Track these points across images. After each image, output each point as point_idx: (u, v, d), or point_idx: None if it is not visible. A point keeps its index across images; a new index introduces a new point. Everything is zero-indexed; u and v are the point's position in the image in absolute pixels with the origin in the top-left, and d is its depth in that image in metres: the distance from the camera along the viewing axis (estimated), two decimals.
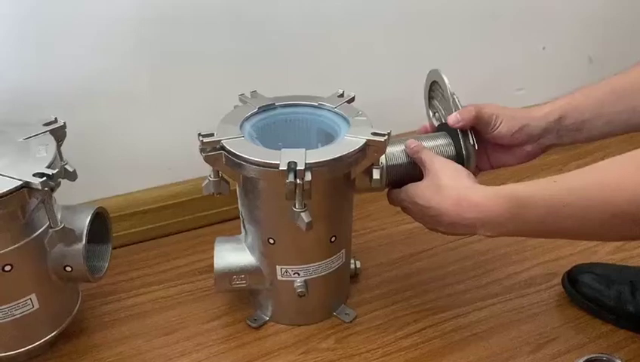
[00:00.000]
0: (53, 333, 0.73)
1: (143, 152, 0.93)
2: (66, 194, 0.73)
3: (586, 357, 0.73)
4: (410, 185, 0.73)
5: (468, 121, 0.76)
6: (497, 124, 0.76)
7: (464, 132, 0.76)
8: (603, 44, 1.25)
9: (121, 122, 0.90)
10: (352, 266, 0.86)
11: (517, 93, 1.21)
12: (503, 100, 1.19)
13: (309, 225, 0.66)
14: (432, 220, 0.70)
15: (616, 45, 1.26)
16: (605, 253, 0.93)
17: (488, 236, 0.66)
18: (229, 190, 0.74)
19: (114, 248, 0.86)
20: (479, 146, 0.76)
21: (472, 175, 0.71)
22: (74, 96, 0.84)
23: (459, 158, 0.75)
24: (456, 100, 0.78)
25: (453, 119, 0.76)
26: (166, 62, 0.89)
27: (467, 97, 1.15)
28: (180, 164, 0.94)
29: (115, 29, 0.84)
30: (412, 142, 0.75)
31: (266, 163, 0.66)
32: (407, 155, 0.75)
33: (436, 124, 0.83)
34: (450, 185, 0.68)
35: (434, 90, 0.84)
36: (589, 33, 1.23)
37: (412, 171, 0.75)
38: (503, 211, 0.63)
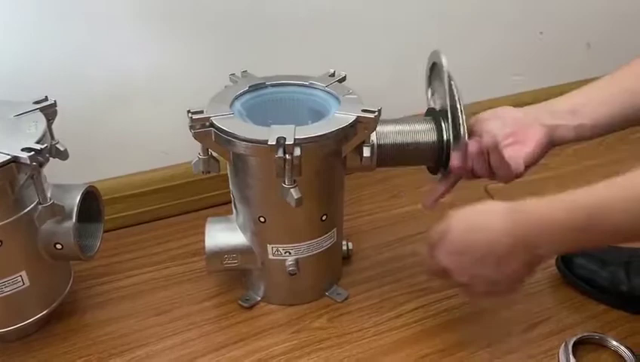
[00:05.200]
0: (44, 312, 0.73)
1: (137, 135, 0.93)
2: (59, 176, 0.73)
3: (578, 336, 0.73)
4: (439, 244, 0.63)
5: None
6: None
7: (454, 118, 0.73)
8: (601, 30, 1.24)
9: (116, 104, 0.90)
10: (345, 248, 0.86)
11: (514, 78, 1.21)
12: (500, 86, 1.20)
13: (299, 201, 0.66)
14: (476, 267, 0.60)
15: (614, 31, 1.25)
16: None
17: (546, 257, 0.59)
18: (218, 168, 0.74)
19: (108, 231, 0.86)
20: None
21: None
22: (68, 77, 0.84)
23: (439, 145, 0.74)
24: (453, 86, 0.75)
25: (454, 163, 0.71)
26: (161, 43, 0.89)
27: (465, 84, 1.15)
28: (175, 148, 0.94)
29: (108, 8, 0.83)
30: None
31: (256, 139, 0.66)
32: (398, 135, 0.75)
33: (435, 105, 0.80)
34: (488, 208, 0.61)
35: (434, 71, 0.83)
36: (587, 18, 1.22)
37: (403, 152, 0.75)
38: (575, 220, 0.55)
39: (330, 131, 0.67)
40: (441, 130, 0.74)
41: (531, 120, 0.72)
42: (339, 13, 0.99)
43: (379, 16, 1.03)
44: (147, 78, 0.90)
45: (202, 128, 0.68)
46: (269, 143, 0.64)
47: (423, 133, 0.75)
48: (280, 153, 0.64)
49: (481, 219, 0.61)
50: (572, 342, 0.72)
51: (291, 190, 0.66)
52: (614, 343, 0.73)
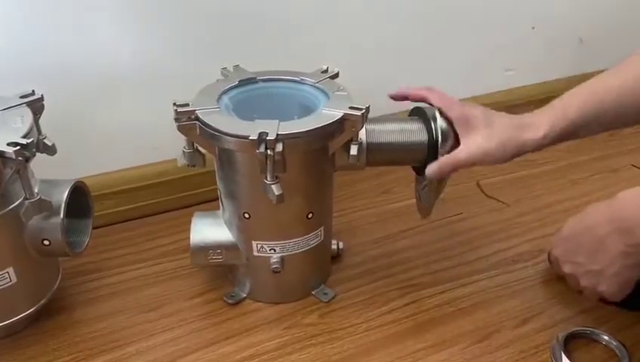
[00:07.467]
0: (32, 308, 0.73)
1: (127, 130, 0.92)
2: (48, 171, 0.73)
3: (569, 331, 0.73)
4: None
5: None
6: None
7: (440, 114, 0.73)
8: (593, 25, 1.24)
9: (106, 99, 0.89)
10: (335, 247, 0.85)
11: (506, 73, 1.20)
12: (492, 81, 1.20)
13: (280, 197, 0.65)
14: (577, 254, 0.67)
15: (606, 26, 1.25)
16: None
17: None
18: (203, 163, 0.73)
19: (97, 227, 0.86)
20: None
21: None
22: (57, 72, 0.84)
23: (430, 144, 0.73)
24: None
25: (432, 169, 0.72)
26: (152, 37, 0.88)
27: (458, 79, 1.15)
28: (166, 143, 0.93)
29: (96, 3, 0.83)
30: None
31: (238, 133, 0.65)
32: (388, 134, 0.74)
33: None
34: (597, 203, 0.65)
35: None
36: (579, 13, 1.22)
37: (393, 151, 0.74)
38: None
39: (314, 127, 0.66)
40: (431, 131, 0.74)
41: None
42: (336, 9, 0.99)
43: (373, 12, 1.03)
44: (137, 72, 0.89)
45: (187, 121, 0.67)
46: (250, 138, 0.63)
47: (414, 132, 0.74)
48: (262, 148, 0.63)
49: (588, 210, 0.66)
50: (564, 337, 0.71)
51: (272, 186, 0.65)
52: (606, 337, 0.72)
